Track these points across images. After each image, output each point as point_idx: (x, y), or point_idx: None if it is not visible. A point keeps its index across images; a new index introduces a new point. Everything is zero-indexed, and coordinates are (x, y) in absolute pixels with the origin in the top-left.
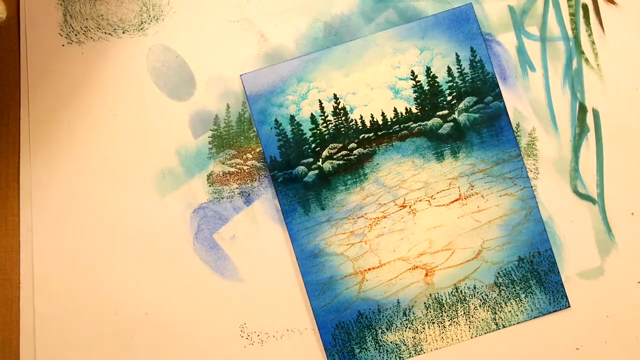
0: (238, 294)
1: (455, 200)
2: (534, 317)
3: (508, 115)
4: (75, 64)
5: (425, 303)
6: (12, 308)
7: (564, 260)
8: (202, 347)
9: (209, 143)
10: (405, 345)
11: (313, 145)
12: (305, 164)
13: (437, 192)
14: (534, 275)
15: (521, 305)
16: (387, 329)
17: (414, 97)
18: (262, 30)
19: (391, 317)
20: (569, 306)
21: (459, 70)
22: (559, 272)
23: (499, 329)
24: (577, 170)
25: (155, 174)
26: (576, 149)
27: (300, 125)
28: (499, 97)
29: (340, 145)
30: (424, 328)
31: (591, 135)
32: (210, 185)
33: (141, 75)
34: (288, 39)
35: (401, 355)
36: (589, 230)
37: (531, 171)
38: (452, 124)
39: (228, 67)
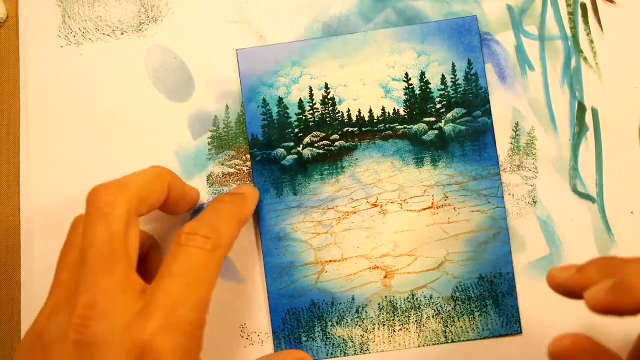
0: (238, 294)
1: (427, 208)
2: (484, 337)
3: (494, 133)
4: (74, 65)
5: (379, 304)
6: (13, 308)
7: (563, 259)
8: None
9: (208, 144)
10: (353, 342)
11: (296, 130)
12: (285, 147)
13: (411, 197)
14: (492, 296)
15: (473, 323)
16: (337, 323)
17: (404, 100)
18: (261, 31)
19: (343, 311)
20: (521, 332)
21: (453, 80)
22: (516, 297)
23: (447, 342)
24: (576, 169)
25: None
26: (575, 147)
27: (287, 108)
28: (487, 113)
29: (323, 134)
30: (373, 328)
31: (590, 134)
32: (209, 186)
33: (140, 76)
34: (286, 39)
35: (346, 351)
36: (588, 229)
37: (530, 170)
38: (437, 132)
39: (227, 68)
